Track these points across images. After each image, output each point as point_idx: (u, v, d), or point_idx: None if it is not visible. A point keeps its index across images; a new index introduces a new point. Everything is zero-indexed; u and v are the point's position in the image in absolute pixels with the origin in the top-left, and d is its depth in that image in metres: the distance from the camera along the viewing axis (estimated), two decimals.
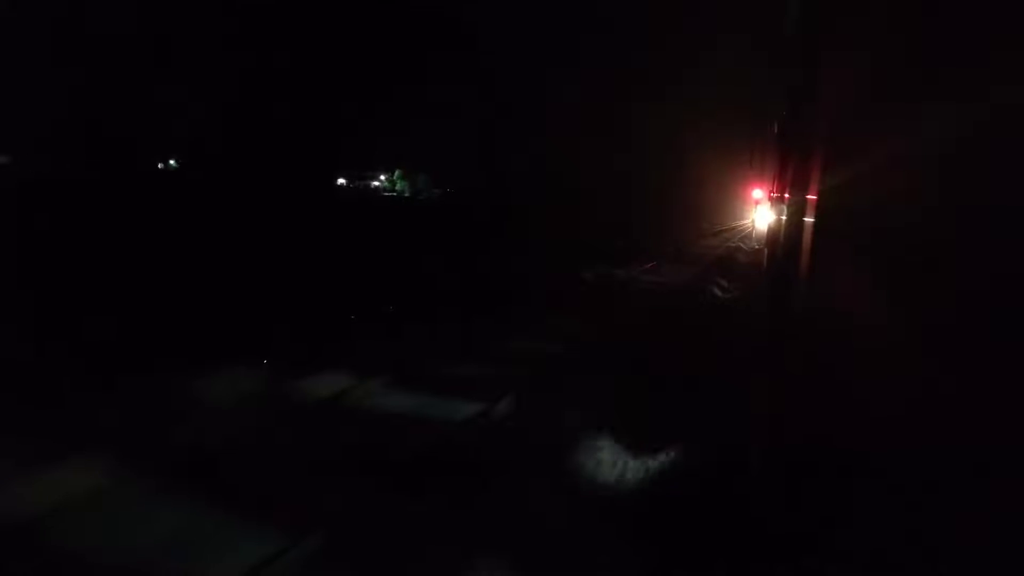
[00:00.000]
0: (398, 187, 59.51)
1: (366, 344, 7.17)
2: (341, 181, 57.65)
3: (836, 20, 4.32)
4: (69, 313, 7.27)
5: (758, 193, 21.23)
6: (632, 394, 5.73)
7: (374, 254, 14.00)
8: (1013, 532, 2.15)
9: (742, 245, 22.27)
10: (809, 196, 4.44)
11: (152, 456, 4.10)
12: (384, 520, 3.53)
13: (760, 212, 21.50)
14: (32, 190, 18.65)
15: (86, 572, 3.09)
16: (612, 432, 4.73)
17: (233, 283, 9.43)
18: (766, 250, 13.46)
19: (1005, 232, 2.32)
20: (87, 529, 3.38)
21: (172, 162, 47.20)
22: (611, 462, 4.35)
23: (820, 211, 3.94)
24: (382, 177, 59.44)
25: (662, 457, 4.38)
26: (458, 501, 3.76)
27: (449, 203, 38.76)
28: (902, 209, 3.26)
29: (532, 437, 4.81)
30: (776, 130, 10.75)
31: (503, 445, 4.69)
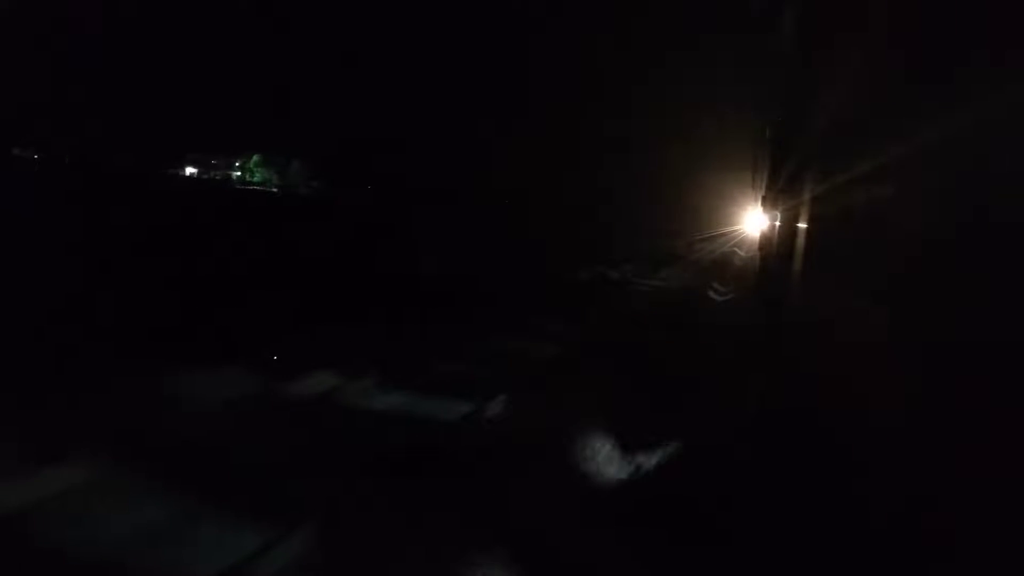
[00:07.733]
0: (257, 178, 43.81)
1: (365, 339, 7.18)
2: (191, 170, 43.34)
3: (831, 25, 4.38)
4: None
5: None
6: (627, 394, 5.77)
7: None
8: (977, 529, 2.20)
9: (736, 250, 22.28)
10: (802, 200, 4.51)
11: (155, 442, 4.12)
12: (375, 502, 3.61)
13: (751, 216, 20.28)
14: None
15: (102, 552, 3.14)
16: (605, 432, 4.78)
17: None
18: (759, 255, 13.58)
19: (1001, 235, 2.34)
20: (105, 511, 3.42)
21: None
22: (601, 461, 4.40)
23: (813, 215, 4.01)
24: (237, 164, 45.22)
25: (653, 455, 4.43)
26: (450, 494, 3.79)
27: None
28: (895, 213, 3.32)
29: (523, 435, 4.84)
30: (769, 135, 10.83)
31: (493, 442, 4.72)
